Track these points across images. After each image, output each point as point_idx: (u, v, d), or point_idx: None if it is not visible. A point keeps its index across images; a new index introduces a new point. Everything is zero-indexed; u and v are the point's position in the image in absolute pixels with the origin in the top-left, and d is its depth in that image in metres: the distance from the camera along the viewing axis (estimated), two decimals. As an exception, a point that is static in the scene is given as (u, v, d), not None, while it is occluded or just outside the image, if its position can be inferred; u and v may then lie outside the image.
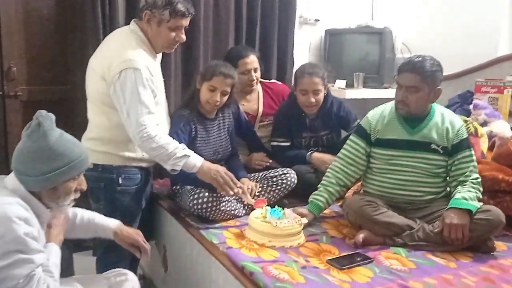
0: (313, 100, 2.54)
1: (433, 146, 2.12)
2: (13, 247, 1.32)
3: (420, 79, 2.04)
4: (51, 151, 1.43)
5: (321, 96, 2.57)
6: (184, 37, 2.14)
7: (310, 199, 2.22)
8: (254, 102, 2.83)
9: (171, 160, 2.02)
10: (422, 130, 2.14)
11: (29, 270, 1.34)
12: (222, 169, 2.12)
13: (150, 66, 2.05)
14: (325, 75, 2.59)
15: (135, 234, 1.78)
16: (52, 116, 1.47)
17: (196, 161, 2.06)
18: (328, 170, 2.27)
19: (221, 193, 2.15)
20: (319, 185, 2.25)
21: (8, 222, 1.33)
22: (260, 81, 2.88)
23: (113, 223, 1.77)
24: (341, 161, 2.25)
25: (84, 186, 1.57)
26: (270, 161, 2.67)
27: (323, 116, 2.66)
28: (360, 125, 2.26)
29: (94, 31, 2.66)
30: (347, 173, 2.23)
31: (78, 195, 1.56)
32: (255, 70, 2.73)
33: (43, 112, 1.46)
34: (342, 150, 2.28)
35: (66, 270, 1.84)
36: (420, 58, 2.08)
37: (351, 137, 2.28)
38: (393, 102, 2.22)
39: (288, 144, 2.68)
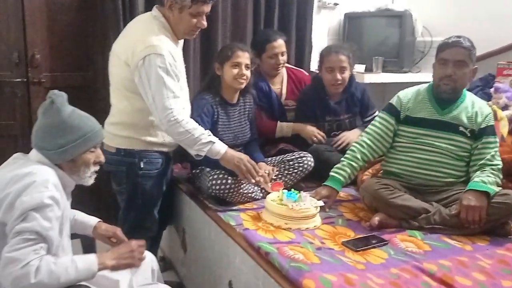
0: (339, 77, 2.58)
1: (461, 128, 2.14)
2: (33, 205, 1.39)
3: (468, 54, 2.09)
4: (65, 125, 1.51)
5: (347, 74, 2.61)
6: (205, 23, 2.15)
7: (332, 174, 2.22)
8: (278, 85, 2.86)
9: (197, 145, 2.06)
10: (453, 111, 2.16)
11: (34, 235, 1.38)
12: (245, 157, 2.15)
13: (173, 51, 2.08)
14: (350, 54, 2.63)
15: (114, 228, 1.81)
16: (64, 94, 1.55)
17: (220, 148, 2.09)
18: (354, 144, 2.30)
19: (243, 181, 2.18)
20: (342, 158, 2.27)
21: (45, 185, 1.43)
22: (286, 66, 2.91)
23: (94, 220, 1.81)
24: (368, 136, 2.27)
25: (102, 159, 1.65)
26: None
27: (347, 99, 2.70)
28: (390, 103, 2.29)
29: (115, 18, 2.70)
30: (373, 149, 2.25)
31: (97, 167, 1.64)
32: (282, 54, 2.76)
33: (55, 91, 1.54)
34: (370, 126, 2.30)
35: (90, 251, 1.92)
36: (461, 37, 2.13)
37: (380, 113, 2.31)
38: (425, 84, 2.25)
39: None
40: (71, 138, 1.52)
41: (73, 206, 1.76)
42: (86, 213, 1.84)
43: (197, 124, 2.10)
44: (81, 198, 2.01)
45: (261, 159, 2.43)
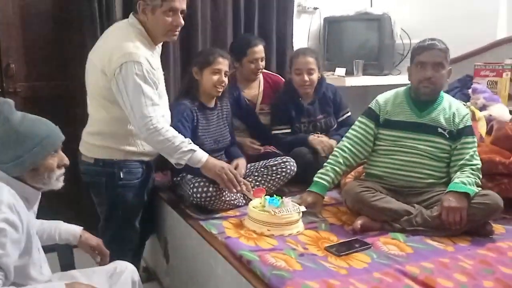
0: (307, 78, 2.64)
1: (440, 130, 2.16)
2: None
3: (444, 56, 2.13)
4: (17, 134, 1.41)
5: (315, 76, 2.67)
6: (181, 21, 2.11)
7: (316, 179, 2.22)
8: (255, 89, 2.88)
9: (177, 154, 2.03)
10: (431, 113, 2.18)
11: None
12: (227, 166, 2.13)
13: (150, 58, 2.05)
14: (319, 57, 2.71)
15: (97, 239, 1.78)
16: (10, 101, 1.45)
17: (201, 156, 2.07)
18: (336, 149, 2.30)
19: (225, 191, 2.16)
20: (325, 164, 2.27)
21: None
22: (263, 72, 2.93)
23: (78, 228, 1.75)
24: (349, 140, 2.28)
25: (66, 161, 1.54)
26: (261, 148, 2.73)
27: (319, 100, 2.75)
28: (370, 107, 2.31)
29: (92, 25, 2.67)
30: (354, 153, 2.26)
31: (62, 170, 1.53)
32: (261, 59, 2.79)
33: (0, 98, 1.45)
34: (350, 130, 2.31)
35: (67, 264, 1.88)
36: (434, 39, 2.16)
37: (360, 118, 2.32)
38: (403, 87, 2.28)
39: (289, 130, 2.74)
40: (26, 146, 1.42)
41: (52, 217, 1.73)
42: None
43: (177, 132, 2.07)
44: (59, 209, 1.97)
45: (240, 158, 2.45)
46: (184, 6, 2.11)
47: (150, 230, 2.53)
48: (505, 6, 3.16)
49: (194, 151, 2.05)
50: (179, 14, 2.09)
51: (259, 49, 2.77)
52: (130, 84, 1.97)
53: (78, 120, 2.32)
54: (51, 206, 1.65)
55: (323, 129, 2.76)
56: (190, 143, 2.07)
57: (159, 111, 2.05)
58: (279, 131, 2.74)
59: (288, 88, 2.77)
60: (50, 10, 2.81)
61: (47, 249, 1.64)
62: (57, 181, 1.52)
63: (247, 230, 1.99)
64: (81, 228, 1.78)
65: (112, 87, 2.01)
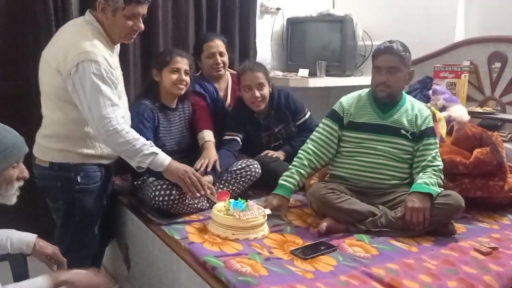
0: (258, 94, 2.52)
1: (402, 131, 2.18)
2: None
3: (399, 59, 2.13)
4: None
5: (266, 90, 2.55)
6: (142, 25, 2.06)
7: (282, 182, 2.19)
8: (223, 91, 2.81)
9: (138, 157, 1.96)
10: (393, 115, 2.20)
11: None
12: (190, 169, 2.07)
13: (109, 58, 1.97)
14: (267, 71, 2.61)
15: (53, 247, 1.69)
16: None
17: (163, 159, 2.01)
18: (300, 152, 2.28)
19: (188, 195, 2.10)
20: (290, 166, 2.25)
21: None
22: (231, 72, 2.88)
23: (31, 237, 1.66)
24: (313, 143, 2.26)
25: (26, 174, 1.49)
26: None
27: (275, 112, 2.64)
28: (333, 109, 2.30)
29: (47, 23, 2.55)
30: (319, 155, 2.25)
31: (21, 183, 1.48)
32: (220, 54, 2.72)
33: None
34: (314, 133, 2.30)
35: (21, 274, 1.78)
36: (393, 42, 2.17)
37: (324, 120, 2.31)
38: (366, 89, 2.29)
39: (238, 138, 2.57)
40: None
41: (4, 226, 1.62)
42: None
43: (138, 133, 2.00)
44: (13, 217, 1.86)
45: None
46: (145, 11, 2.05)
47: (109, 236, 2.45)
48: (462, 9, 3.24)
49: (156, 154, 1.99)
50: (140, 18, 2.04)
51: (215, 44, 2.72)
52: (87, 84, 1.88)
53: (34, 121, 2.20)
54: (2, 213, 1.55)
55: (285, 138, 2.69)
56: (152, 146, 2.00)
57: (119, 112, 1.97)
58: (229, 136, 2.58)
59: (242, 106, 2.61)
60: (2, 6, 2.66)
61: (-1, 257, 1.55)
62: (13, 196, 1.46)
63: (211, 234, 1.94)
64: (35, 236, 1.68)
65: (68, 87, 1.91)
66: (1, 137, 1.39)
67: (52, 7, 2.55)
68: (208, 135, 2.44)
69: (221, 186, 2.33)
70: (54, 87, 1.98)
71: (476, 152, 2.25)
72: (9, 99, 2.69)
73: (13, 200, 1.48)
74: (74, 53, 1.89)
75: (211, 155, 2.32)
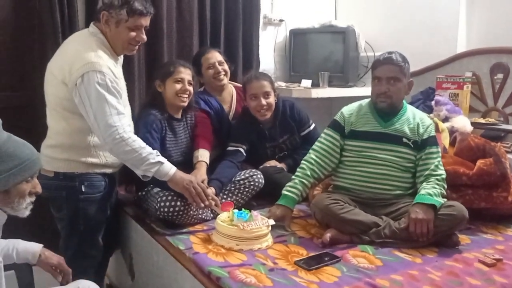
0: (264, 102, 2.53)
1: (404, 139, 2.19)
2: None
3: (399, 70, 2.15)
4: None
5: (271, 99, 2.56)
6: (144, 37, 2.10)
7: (285, 192, 2.20)
8: (227, 104, 2.82)
9: (144, 165, 1.97)
10: (395, 124, 2.21)
11: None
12: (195, 180, 2.08)
13: (113, 68, 2.01)
14: (272, 80, 2.63)
15: (58, 257, 1.71)
16: None
17: (169, 169, 2.02)
18: (303, 162, 2.28)
19: (192, 205, 2.11)
20: (293, 177, 2.25)
21: None
22: (235, 86, 2.90)
23: (37, 247, 1.68)
24: (316, 153, 2.27)
25: (39, 189, 1.51)
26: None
27: (280, 122, 2.65)
28: (335, 118, 2.31)
29: (53, 34, 2.57)
30: (322, 165, 2.25)
31: (33, 198, 1.50)
32: (219, 63, 2.73)
33: None
34: (316, 143, 2.31)
35: (27, 284, 1.79)
36: (392, 53, 2.19)
37: (325, 130, 2.32)
38: (367, 99, 2.30)
39: (242, 148, 2.57)
40: (5, 167, 1.38)
41: (8, 235, 1.63)
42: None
43: (144, 142, 2.01)
44: (16, 227, 1.87)
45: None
46: (148, 23, 2.09)
47: (114, 246, 2.45)
48: (464, 21, 3.26)
49: (162, 163, 2.00)
50: (143, 30, 2.07)
51: (212, 55, 2.74)
52: (92, 93, 1.91)
53: (38, 132, 2.22)
54: (8, 223, 1.56)
55: (289, 149, 2.70)
56: (158, 155, 2.01)
57: (125, 120, 1.99)
58: (232, 147, 2.58)
59: (247, 116, 2.62)
60: (9, 18, 2.69)
61: (4, 267, 1.55)
62: (25, 209, 1.49)
63: (215, 245, 1.94)
64: (41, 246, 1.69)
65: (74, 98, 1.94)
66: (18, 151, 1.42)
67: (58, 19, 2.58)
68: (202, 155, 2.42)
69: (224, 196, 2.33)
70: (59, 98, 2.00)
71: (479, 163, 2.25)
72: (14, 110, 2.70)
73: (25, 213, 1.50)
74: (79, 64, 1.91)
75: (198, 175, 2.28)
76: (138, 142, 1.98)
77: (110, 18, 2.01)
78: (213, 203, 2.10)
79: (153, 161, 1.98)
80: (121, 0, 1.99)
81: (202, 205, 2.07)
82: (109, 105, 1.92)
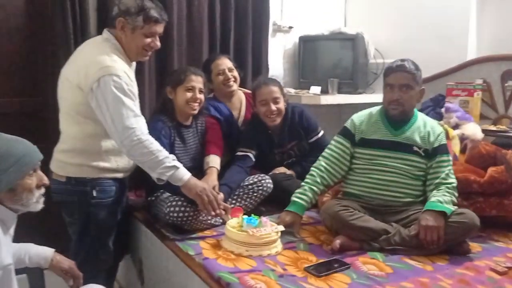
0: (274, 108, 2.53)
1: (415, 148, 2.18)
2: None
3: (412, 78, 2.15)
4: None
5: (281, 105, 2.57)
6: (159, 43, 2.13)
7: (294, 199, 2.20)
8: (237, 110, 2.84)
9: (160, 168, 1.98)
10: (406, 132, 2.20)
11: None
12: (208, 187, 2.09)
13: (128, 72, 2.03)
14: (281, 85, 2.63)
15: (69, 261, 1.72)
16: None
17: (183, 174, 2.02)
18: (312, 169, 2.28)
19: (203, 212, 2.11)
20: (302, 183, 2.25)
21: None
22: (244, 92, 2.92)
23: (49, 251, 1.69)
24: (326, 160, 2.27)
25: (46, 180, 1.51)
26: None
27: (288, 128, 2.65)
28: (345, 126, 2.31)
29: (65, 41, 2.61)
30: (331, 172, 2.25)
31: (42, 191, 1.50)
32: (229, 70, 2.75)
33: None
34: (326, 150, 2.31)
35: (38, 287, 1.80)
36: (404, 60, 2.18)
37: (335, 137, 2.32)
38: (378, 106, 2.29)
39: (251, 153, 2.58)
40: (1, 167, 1.38)
41: (20, 239, 1.65)
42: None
43: (162, 147, 2.02)
44: (28, 231, 1.89)
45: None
46: (162, 30, 2.12)
47: (124, 251, 2.46)
48: (474, 29, 3.26)
49: (177, 168, 2.01)
50: (157, 37, 2.11)
51: (222, 61, 2.76)
52: (109, 97, 1.93)
53: (50, 137, 2.25)
54: (21, 226, 1.57)
55: (298, 155, 2.70)
56: (174, 159, 2.02)
57: (142, 122, 2.01)
58: (241, 153, 2.58)
59: (256, 123, 2.64)
60: (22, 24, 2.73)
61: (16, 271, 1.56)
62: (37, 203, 1.48)
63: (224, 250, 1.94)
64: (53, 250, 1.71)
65: (90, 103, 1.96)
66: (12, 149, 1.41)
67: (71, 27, 2.61)
68: (213, 161, 2.43)
69: (233, 201, 2.34)
70: (74, 103, 2.03)
71: (491, 170, 2.24)
72: (27, 115, 2.74)
73: (38, 207, 1.50)
74: (95, 68, 1.94)
75: (210, 181, 2.30)
76: (155, 145, 1.99)
77: (126, 25, 2.04)
78: (223, 212, 2.10)
79: (169, 164, 1.99)
80: (137, 7, 2.02)
81: (213, 213, 2.07)
82: (126, 108, 1.94)
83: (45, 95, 2.71)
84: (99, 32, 2.22)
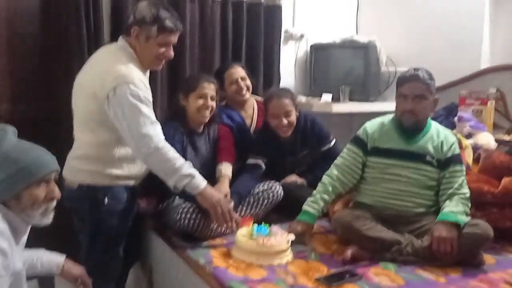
0: (285, 122, 2.52)
1: (428, 158, 2.15)
2: None
3: (426, 88, 2.12)
4: (4, 157, 1.39)
5: (293, 117, 2.55)
6: (172, 53, 2.13)
7: (306, 208, 2.18)
8: (249, 117, 2.84)
9: (176, 176, 1.97)
10: (419, 141, 2.17)
11: None
12: (224, 199, 2.08)
13: (144, 80, 2.04)
14: (293, 96, 2.61)
15: (80, 268, 1.72)
16: (7, 127, 1.44)
17: (199, 183, 2.01)
18: (324, 177, 2.26)
19: (214, 223, 2.10)
20: (314, 192, 2.23)
21: None
22: (257, 100, 2.92)
23: (60, 258, 1.69)
24: (338, 168, 2.25)
25: (56, 194, 1.49)
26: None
27: (300, 137, 2.64)
28: (357, 135, 2.29)
29: (79, 48, 2.63)
30: (343, 181, 2.23)
31: (51, 204, 1.49)
32: (242, 79, 2.75)
33: (4, 125, 1.44)
34: (339, 158, 2.29)
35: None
36: (418, 69, 2.15)
37: (348, 145, 2.30)
38: (391, 115, 2.27)
39: (262, 161, 2.58)
40: (9, 171, 1.38)
41: (31, 245, 1.65)
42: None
43: (179, 154, 2.02)
44: (39, 237, 1.90)
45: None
46: (176, 39, 2.12)
47: (134, 258, 2.46)
48: (487, 37, 3.23)
49: (194, 176, 2.00)
50: (171, 46, 2.11)
51: (235, 70, 2.76)
52: (126, 105, 1.93)
53: (62, 142, 2.26)
54: (31, 232, 1.58)
55: (309, 164, 2.69)
56: (191, 167, 2.02)
57: (159, 129, 2.01)
58: (252, 160, 2.58)
59: (267, 130, 2.61)
60: (37, 31, 2.76)
61: (27, 277, 1.57)
62: (43, 216, 1.47)
63: (235, 259, 1.93)
64: (64, 256, 1.71)
65: (107, 111, 1.97)
66: (23, 156, 1.41)
67: (85, 33, 2.63)
68: (225, 169, 2.42)
69: (243, 208, 2.33)
70: (89, 110, 2.03)
71: (505, 181, 2.21)
72: (41, 121, 2.76)
73: (44, 221, 1.48)
74: (111, 77, 1.95)
75: (222, 188, 2.29)
76: (172, 152, 1.99)
77: (141, 33, 2.04)
78: (235, 226, 2.09)
79: (186, 173, 1.98)
80: (153, 17, 2.02)
81: (225, 225, 2.07)
82: (143, 115, 1.95)
83: (58, 100, 2.73)
84: (113, 39, 2.23)
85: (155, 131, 1.97)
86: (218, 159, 2.47)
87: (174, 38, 2.10)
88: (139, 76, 2.02)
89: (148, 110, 1.98)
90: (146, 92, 2.01)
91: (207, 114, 2.38)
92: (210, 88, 2.38)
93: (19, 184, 1.40)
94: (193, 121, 2.41)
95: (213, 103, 2.39)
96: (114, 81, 1.93)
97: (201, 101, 2.35)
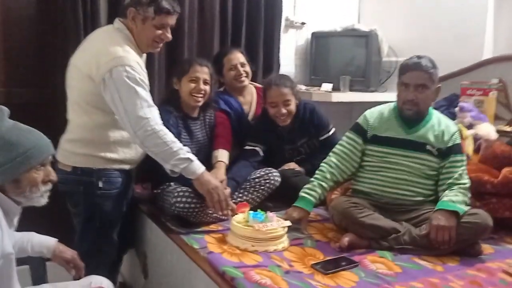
0: (284, 111, 2.48)
1: (428, 147, 2.12)
2: None
3: (428, 77, 2.07)
4: (3, 141, 1.36)
5: (292, 106, 2.51)
6: (170, 36, 2.10)
7: (303, 194, 2.15)
8: (248, 105, 2.81)
9: (173, 160, 1.95)
10: (419, 130, 2.14)
11: None
12: (220, 186, 2.06)
13: (140, 63, 2.01)
14: (293, 84, 2.56)
15: (72, 251, 1.70)
16: (2, 108, 1.40)
17: (197, 168, 1.99)
18: (322, 164, 2.23)
19: (210, 209, 2.08)
20: (311, 179, 2.21)
21: None
22: (256, 86, 2.88)
23: (52, 241, 1.67)
24: (336, 156, 2.22)
25: (53, 177, 1.49)
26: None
27: (299, 125, 2.61)
28: (357, 122, 2.25)
29: (76, 31, 2.59)
30: (342, 169, 2.20)
31: (48, 187, 1.48)
32: (242, 65, 2.72)
33: None
34: (337, 146, 2.26)
35: (39, 277, 1.78)
36: (421, 58, 2.10)
37: (347, 133, 2.26)
38: (392, 103, 2.23)
39: (259, 148, 2.56)
40: (9, 156, 1.36)
41: (24, 229, 1.63)
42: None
43: (176, 138, 1.99)
44: (32, 221, 1.87)
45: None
46: (174, 21, 2.09)
47: (128, 244, 2.44)
48: (491, 27, 3.19)
49: (191, 161, 1.98)
50: (168, 29, 2.07)
51: (235, 56, 2.72)
52: (122, 88, 1.90)
53: (58, 127, 2.22)
54: (25, 216, 1.55)
55: (308, 152, 2.66)
56: (189, 151, 2.00)
57: (156, 112, 1.98)
58: (250, 147, 2.56)
59: (266, 117, 2.58)
60: (32, 14, 2.72)
61: (18, 261, 1.54)
62: (41, 197, 1.46)
63: (230, 245, 1.91)
64: (56, 240, 1.69)
65: (102, 93, 1.94)
66: (23, 139, 1.39)
67: (81, 16, 2.59)
68: (221, 155, 2.39)
69: (239, 194, 2.30)
70: (83, 92, 2.00)
71: (505, 171, 2.19)
72: (36, 105, 2.73)
73: (42, 201, 1.47)
74: (106, 58, 1.91)
75: (218, 175, 2.26)
76: (169, 136, 1.96)
77: (137, 15, 2.01)
78: (230, 213, 2.06)
79: (183, 156, 1.96)
80: None
81: (220, 212, 2.04)
82: (140, 98, 1.92)
83: (54, 85, 2.69)
84: (109, 23, 2.20)
85: (152, 114, 1.94)
86: (215, 145, 2.44)
87: (172, 20, 2.06)
88: (136, 58, 1.99)
89: (145, 93, 1.95)
90: (142, 75, 1.98)
91: (199, 98, 2.34)
92: (202, 72, 2.34)
93: (20, 169, 1.39)
94: (186, 105, 2.38)
95: (206, 87, 2.35)
96: (110, 62, 1.90)
97: (192, 85, 2.32)
